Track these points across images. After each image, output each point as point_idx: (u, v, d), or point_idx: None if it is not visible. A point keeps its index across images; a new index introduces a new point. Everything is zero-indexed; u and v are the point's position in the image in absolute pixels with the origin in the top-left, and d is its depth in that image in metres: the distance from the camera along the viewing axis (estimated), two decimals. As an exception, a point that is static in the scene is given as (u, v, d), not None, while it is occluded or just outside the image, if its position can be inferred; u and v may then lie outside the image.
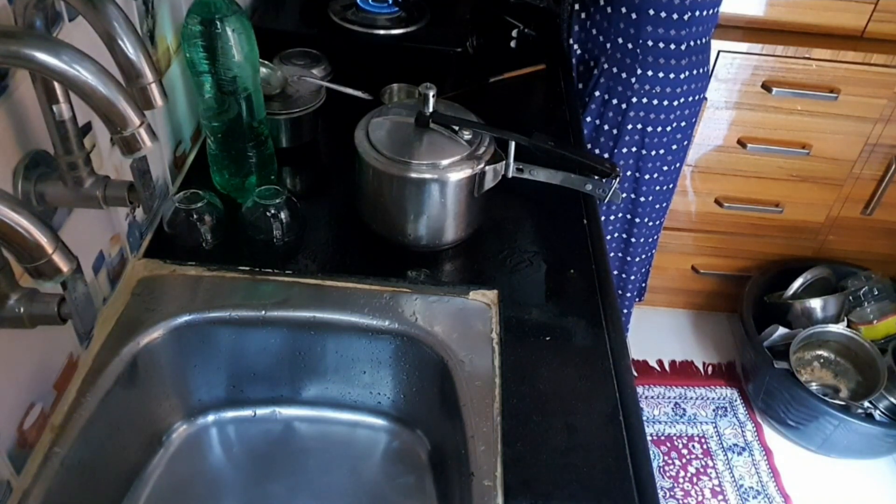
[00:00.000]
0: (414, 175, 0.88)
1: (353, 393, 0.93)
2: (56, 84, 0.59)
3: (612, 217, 1.50)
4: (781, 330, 1.90)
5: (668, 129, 1.37)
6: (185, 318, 0.83)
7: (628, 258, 1.58)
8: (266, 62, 1.05)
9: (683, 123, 1.39)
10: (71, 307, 0.61)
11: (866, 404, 1.80)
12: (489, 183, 0.92)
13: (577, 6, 1.37)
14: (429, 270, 0.93)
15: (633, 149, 1.39)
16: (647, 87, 1.31)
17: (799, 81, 1.70)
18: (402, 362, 0.88)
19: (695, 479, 1.83)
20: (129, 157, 0.55)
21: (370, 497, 0.89)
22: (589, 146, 1.40)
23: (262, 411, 0.93)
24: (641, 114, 1.34)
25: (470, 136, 0.91)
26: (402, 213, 0.92)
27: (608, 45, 1.32)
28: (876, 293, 1.96)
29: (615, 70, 1.32)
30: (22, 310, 0.57)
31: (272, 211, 0.90)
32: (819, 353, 1.97)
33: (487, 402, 0.78)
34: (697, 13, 1.25)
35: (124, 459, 0.83)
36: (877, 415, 1.79)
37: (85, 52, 0.50)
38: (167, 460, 0.87)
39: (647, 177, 1.43)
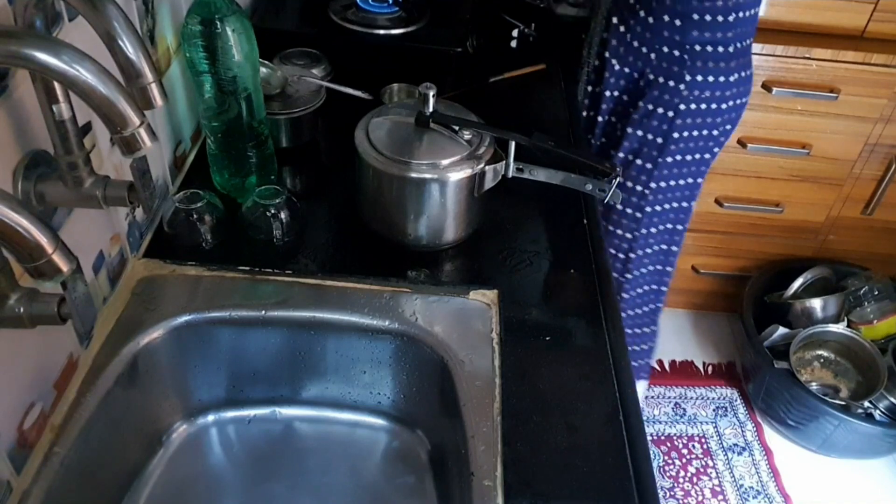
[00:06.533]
0: (414, 175, 0.88)
1: (353, 393, 0.93)
2: (56, 84, 0.59)
3: (653, 230, 1.44)
4: (781, 330, 1.90)
5: (715, 132, 1.33)
6: (185, 318, 0.83)
7: (668, 268, 1.52)
8: (266, 62, 1.05)
9: (729, 127, 1.35)
10: (71, 307, 0.61)
11: (866, 404, 1.80)
12: (489, 183, 0.92)
13: (615, 20, 1.32)
14: (429, 270, 0.93)
15: (687, 157, 1.35)
16: (696, 92, 1.27)
17: (799, 81, 1.70)
18: (402, 362, 0.88)
19: (695, 479, 1.83)
20: (129, 156, 0.55)
21: (370, 497, 0.89)
22: (631, 157, 1.36)
23: (261, 411, 0.93)
24: (689, 120, 1.30)
25: (470, 136, 0.91)
26: (402, 213, 0.92)
27: (652, 56, 1.28)
28: (876, 293, 1.96)
29: (661, 80, 1.28)
30: (22, 310, 0.57)
31: (272, 211, 0.90)
32: (819, 353, 1.97)
33: (487, 402, 0.78)
34: (741, 14, 1.22)
35: (124, 459, 0.83)
36: (877, 415, 1.79)
37: (85, 52, 0.50)
38: (167, 460, 0.87)
39: (698, 180, 1.39)
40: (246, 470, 0.89)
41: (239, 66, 0.88)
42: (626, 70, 1.33)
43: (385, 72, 1.21)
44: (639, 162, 1.35)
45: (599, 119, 1.40)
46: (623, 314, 1.52)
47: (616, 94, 1.37)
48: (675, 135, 1.31)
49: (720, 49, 1.24)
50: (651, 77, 1.29)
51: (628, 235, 1.43)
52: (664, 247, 1.48)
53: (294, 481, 0.89)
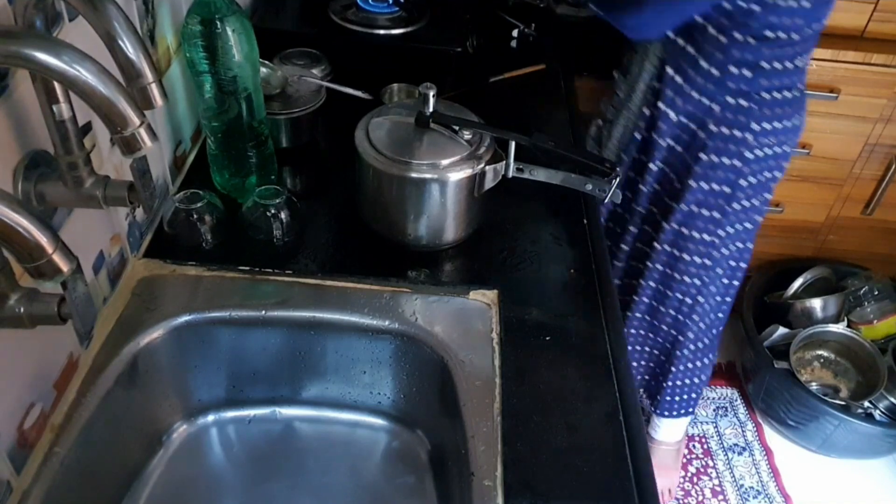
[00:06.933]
0: (414, 175, 0.88)
1: (353, 393, 0.93)
2: (56, 84, 0.59)
3: (718, 270, 1.38)
4: (781, 330, 1.90)
5: (777, 174, 1.28)
6: (185, 318, 0.83)
7: (728, 298, 1.48)
8: (266, 62, 1.05)
9: (786, 164, 1.28)
10: (71, 307, 0.61)
11: (866, 404, 1.80)
12: (489, 183, 0.92)
13: (669, 70, 1.22)
14: (429, 270, 0.93)
15: (754, 201, 1.29)
16: (762, 139, 1.21)
17: (799, 81, 1.70)
18: (402, 362, 0.88)
19: (695, 479, 1.83)
20: (129, 156, 0.55)
21: (370, 497, 0.89)
22: (696, 208, 1.29)
23: (261, 411, 0.93)
24: (755, 167, 1.23)
25: (470, 136, 0.91)
26: (402, 213, 0.92)
27: (715, 108, 1.19)
28: (876, 293, 1.96)
29: (726, 130, 1.20)
30: (22, 310, 0.57)
31: (272, 211, 0.90)
32: (819, 352, 1.97)
33: (487, 402, 0.78)
34: (807, 56, 1.16)
35: (124, 459, 0.83)
36: (877, 415, 1.79)
37: (85, 52, 0.50)
38: (167, 460, 0.88)
39: (757, 218, 1.34)
40: (246, 470, 0.89)
41: (239, 66, 0.88)
42: (683, 120, 1.24)
43: (385, 72, 1.21)
44: (705, 213, 1.29)
45: (652, 166, 1.32)
46: (685, 350, 1.49)
47: (671, 142, 1.28)
48: (743, 182, 1.25)
49: (787, 94, 1.18)
50: (713, 129, 1.21)
51: (697, 282, 1.38)
52: (726, 281, 1.43)
53: (294, 481, 0.89)
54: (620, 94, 1.37)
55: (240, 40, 0.87)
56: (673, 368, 1.53)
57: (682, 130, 1.26)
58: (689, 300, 1.41)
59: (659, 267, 1.39)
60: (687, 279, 1.38)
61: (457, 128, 0.91)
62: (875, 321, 1.93)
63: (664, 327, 1.48)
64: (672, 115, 1.25)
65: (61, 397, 0.73)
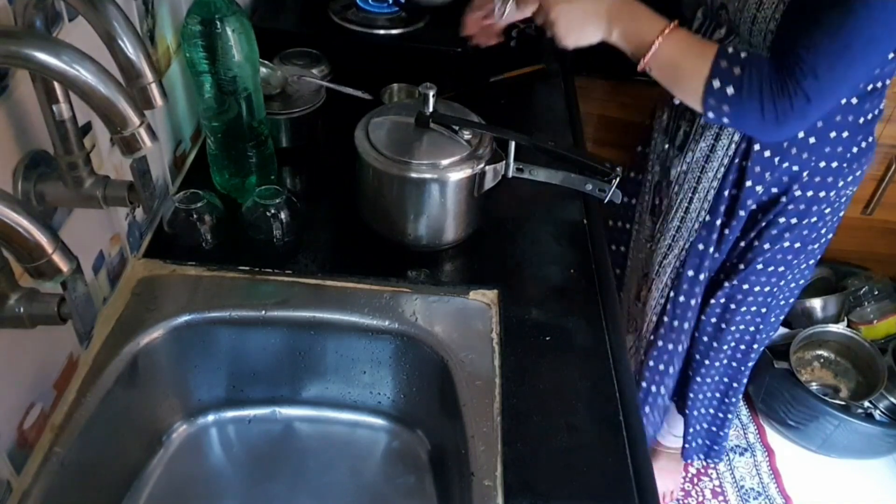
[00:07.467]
0: (414, 175, 0.88)
1: (353, 393, 0.93)
2: (56, 84, 0.59)
3: (771, 317, 1.34)
4: (781, 329, 1.90)
5: (843, 213, 1.23)
6: (185, 318, 0.83)
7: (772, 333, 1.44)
8: (266, 62, 1.05)
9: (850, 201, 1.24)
10: (71, 307, 0.61)
11: (866, 404, 1.80)
12: (489, 183, 0.92)
13: (756, 147, 1.11)
14: (429, 270, 0.93)
15: (816, 246, 1.25)
16: (843, 192, 1.16)
17: (799, 81, 1.70)
18: (402, 362, 0.88)
19: (695, 480, 1.83)
20: (129, 157, 0.55)
21: (370, 497, 0.89)
22: (761, 266, 1.23)
23: (261, 411, 0.93)
24: (829, 218, 1.20)
25: (470, 136, 0.91)
26: (402, 213, 0.92)
27: (805, 173, 1.11)
28: (876, 293, 1.96)
29: (810, 193, 1.14)
30: (22, 310, 0.57)
31: (272, 211, 0.90)
32: (819, 352, 1.97)
33: (487, 402, 0.78)
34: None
35: (124, 459, 0.83)
36: (877, 415, 1.79)
37: (85, 52, 0.50)
38: (167, 460, 0.88)
39: (820, 256, 1.30)
40: (246, 470, 0.89)
41: (239, 66, 0.88)
42: (769, 188, 1.16)
43: (385, 72, 1.21)
44: (770, 269, 1.23)
45: (730, 236, 1.24)
46: (734, 398, 1.46)
47: (752, 209, 1.20)
48: (814, 235, 1.21)
49: (870, 139, 1.13)
50: (798, 193, 1.14)
51: (752, 328, 1.33)
52: (773, 319, 1.38)
53: (294, 481, 0.89)
54: (683, 172, 1.25)
55: (240, 40, 0.87)
56: (728, 416, 1.51)
57: (767, 195, 1.18)
58: (742, 346, 1.37)
59: (713, 320, 1.33)
60: (742, 327, 1.33)
61: (457, 128, 0.91)
62: (875, 321, 1.93)
63: (716, 377, 1.44)
64: (759, 188, 1.17)
65: (61, 397, 0.73)
